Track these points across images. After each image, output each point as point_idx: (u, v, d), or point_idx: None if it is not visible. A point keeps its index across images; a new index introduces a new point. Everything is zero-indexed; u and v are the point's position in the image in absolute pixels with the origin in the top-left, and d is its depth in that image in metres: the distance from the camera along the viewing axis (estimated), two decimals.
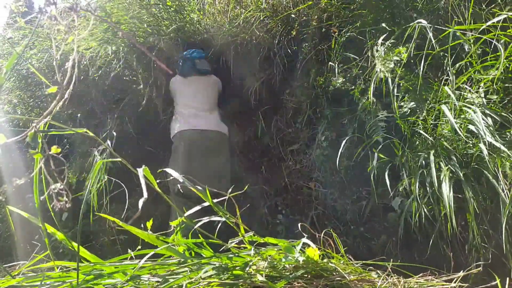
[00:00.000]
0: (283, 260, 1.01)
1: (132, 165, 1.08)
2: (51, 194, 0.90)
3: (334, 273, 1.06)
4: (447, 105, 1.76)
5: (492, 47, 1.78)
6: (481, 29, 1.72)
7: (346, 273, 1.07)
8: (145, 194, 1.01)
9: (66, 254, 2.61)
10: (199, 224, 1.16)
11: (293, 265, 1.04)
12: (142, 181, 1.01)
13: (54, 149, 1.11)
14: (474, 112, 1.68)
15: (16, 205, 2.90)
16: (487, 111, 1.71)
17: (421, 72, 1.85)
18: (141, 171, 1.04)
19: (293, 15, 2.82)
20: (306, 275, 1.02)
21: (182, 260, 1.03)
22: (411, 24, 1.92)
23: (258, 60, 2.94)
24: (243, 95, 3.05)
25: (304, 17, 2.76)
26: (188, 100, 2.92)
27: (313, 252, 1.06)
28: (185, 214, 1.17)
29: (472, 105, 1.73)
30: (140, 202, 1.00)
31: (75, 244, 0.98)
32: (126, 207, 2.22)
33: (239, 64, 2.99)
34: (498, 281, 1.25)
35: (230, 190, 1.20)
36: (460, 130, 1.70)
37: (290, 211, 2.66)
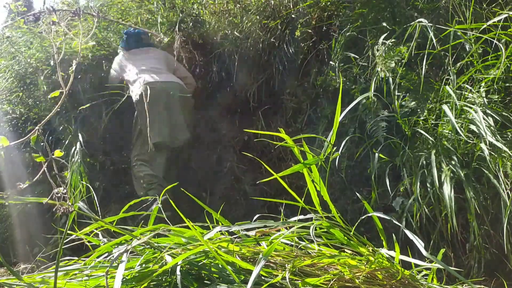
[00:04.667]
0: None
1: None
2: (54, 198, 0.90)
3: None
4: (448, 104, 1.76)
5: (493, 46, 1.77)
6: (482, 28, 1.71)
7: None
8: None
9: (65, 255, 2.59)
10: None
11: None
12: None
13: (58, 153, 1.10)
14: (475, 112, 1.67)
15: (15, 206, 2.89)
16: (488, 111, 1.70)
17: (422, 72, 1.84)
18: None
19: (293, 15, 2.81)
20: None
21: None
22: (412, 23, 1.92)
23: (258, 59, 2.93)
24: (243, 94, 3.04)
25: (304, 16, 2.74)
26: (142, 64, 2.86)
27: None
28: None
29: (473, 104, 1.72)
30: None
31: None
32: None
33: (238, 63, 2.98)
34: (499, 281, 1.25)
35: None
36: (461, 130, 1.69)
37: (290, 211, 2.65)
